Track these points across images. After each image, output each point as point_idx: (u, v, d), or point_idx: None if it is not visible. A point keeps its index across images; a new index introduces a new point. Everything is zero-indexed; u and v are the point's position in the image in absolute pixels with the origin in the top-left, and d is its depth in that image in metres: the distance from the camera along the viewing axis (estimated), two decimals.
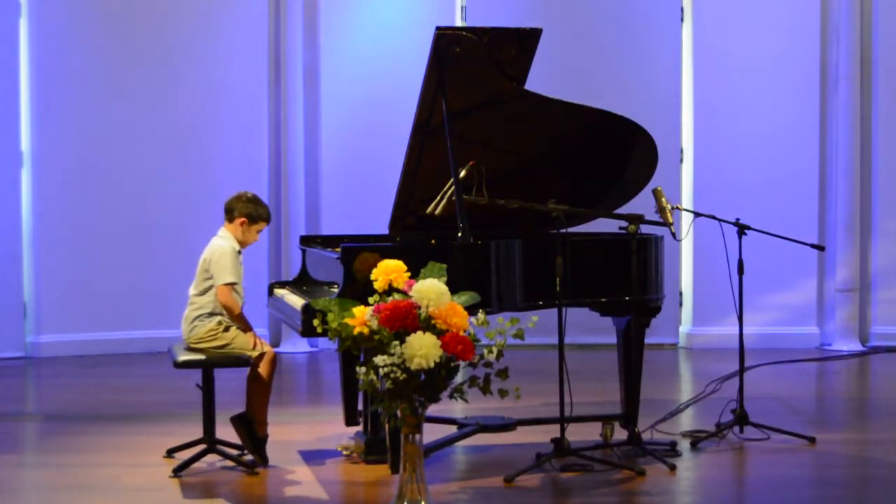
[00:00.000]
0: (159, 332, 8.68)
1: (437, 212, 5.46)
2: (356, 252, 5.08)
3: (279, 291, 5.93)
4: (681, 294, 9.61)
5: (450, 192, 5.41)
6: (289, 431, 5.70)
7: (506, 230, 5.73)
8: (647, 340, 5.97)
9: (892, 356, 9.11)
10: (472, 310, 4.48)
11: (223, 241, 5.55)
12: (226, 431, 5.61)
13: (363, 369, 4.35)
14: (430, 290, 4.38)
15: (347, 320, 4.38)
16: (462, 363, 4.37)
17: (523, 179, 5.96)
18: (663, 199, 5.56)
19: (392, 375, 4.28)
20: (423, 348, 4.25)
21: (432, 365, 4.27)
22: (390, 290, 4.47)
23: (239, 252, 5.55)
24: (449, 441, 5.69)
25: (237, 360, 5.43)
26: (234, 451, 5.54)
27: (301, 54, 9.51)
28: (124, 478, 5.36)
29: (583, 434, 5.74)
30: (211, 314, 5.47)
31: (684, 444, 5.83)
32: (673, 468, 5.38)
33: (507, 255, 5.32)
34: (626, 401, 5.81)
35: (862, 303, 9.50)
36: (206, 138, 9.38)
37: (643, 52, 9.59)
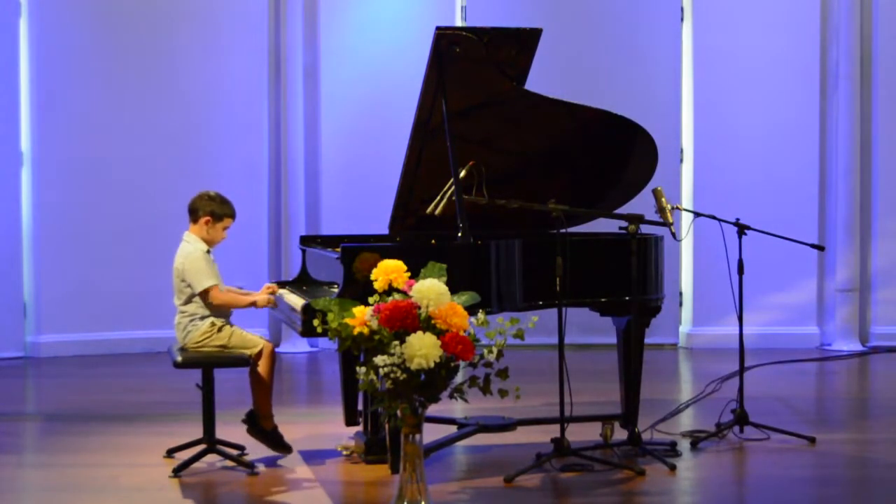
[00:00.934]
0: (159, 332, 8.67)
1: (437, 212, 5.46)
2: (356, 252, 5.07)
3: (279, 291, 5.92)
4: (681, 294, 9.61)
5: (450, 192, 5.41)
6: (289, 431, 5.69)
7: (506, 230, 5.73)
8: (647, 340, 5.98)
9: (892, 356, 9.11)
10: (472, 310, 4.47)
11: (189, 246, 5.50)
12: (226, 431, 5.61)
13: (363, 369, 4.34)
14: (430, 290, 4.38)
15: (347, 320, 4.37)
16: (462, 363, 4.37)
17: (523, 179, 5.96)
18: (663, 199, 5.55)
19: (392, 375, 4.27)
20: (423, 348, 4.25)
21: (432, 365, 4.26)
22: (390, 290, 4.47)
23: (208, 251, 5.52)
24: (449, 441, 5.69)
25: (237, 360, 5.43)
26: (234, 451, 5.55)
27: (301, 54, 9.52)
28: (124, 478, 5.35)
29: (583, 434, 5.74)
30: (202, 317, 5.47)
31: (684, 444, 5.83)
32: (673, 468, 5.38)
33: (507, 255, 5.32)
34: (626, 401, 5.81)
35: (862, 303, 9.51)
36: (207, 138, 9.38)
37: (643, 51, 9.59)
